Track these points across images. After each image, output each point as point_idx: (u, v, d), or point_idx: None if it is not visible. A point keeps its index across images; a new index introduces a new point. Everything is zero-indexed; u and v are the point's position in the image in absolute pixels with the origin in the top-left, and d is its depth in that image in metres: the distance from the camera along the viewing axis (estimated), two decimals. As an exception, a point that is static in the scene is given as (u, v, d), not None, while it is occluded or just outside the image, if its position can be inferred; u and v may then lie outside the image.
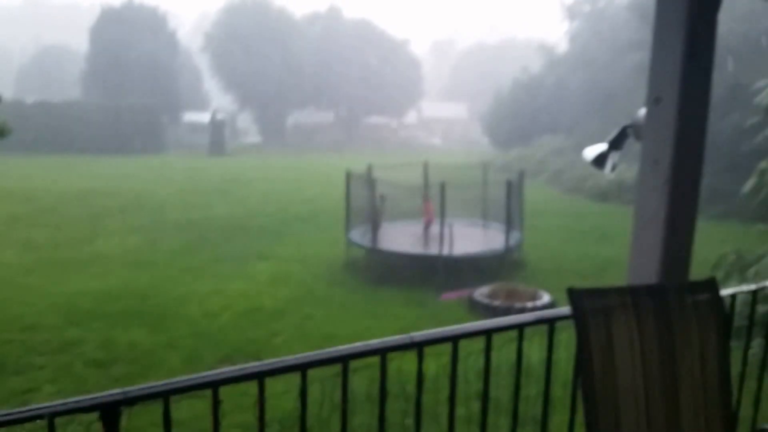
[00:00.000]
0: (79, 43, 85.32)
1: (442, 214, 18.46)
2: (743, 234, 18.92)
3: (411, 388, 3.29)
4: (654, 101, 3.32)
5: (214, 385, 2.69)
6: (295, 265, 19.39)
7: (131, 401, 2.51)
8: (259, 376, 2.79)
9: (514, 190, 19.17)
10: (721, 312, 3.20)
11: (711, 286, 3.18)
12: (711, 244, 14.82)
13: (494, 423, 3.56)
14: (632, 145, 4.19)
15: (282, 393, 3.48)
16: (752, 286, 4.28)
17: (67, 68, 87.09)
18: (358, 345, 3.00)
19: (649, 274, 3.37)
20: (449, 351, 3.23)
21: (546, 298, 15.40)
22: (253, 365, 2.78)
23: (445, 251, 17.83)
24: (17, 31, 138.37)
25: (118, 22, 71.58)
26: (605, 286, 3.03)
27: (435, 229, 19.32)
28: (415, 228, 21.11)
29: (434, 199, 19.90)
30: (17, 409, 2.33)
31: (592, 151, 4.46)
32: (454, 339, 3.21)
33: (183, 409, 2.65)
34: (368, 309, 15.35)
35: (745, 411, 4.34)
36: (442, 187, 18.20)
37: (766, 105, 13.53)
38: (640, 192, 3.48)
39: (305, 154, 65.61)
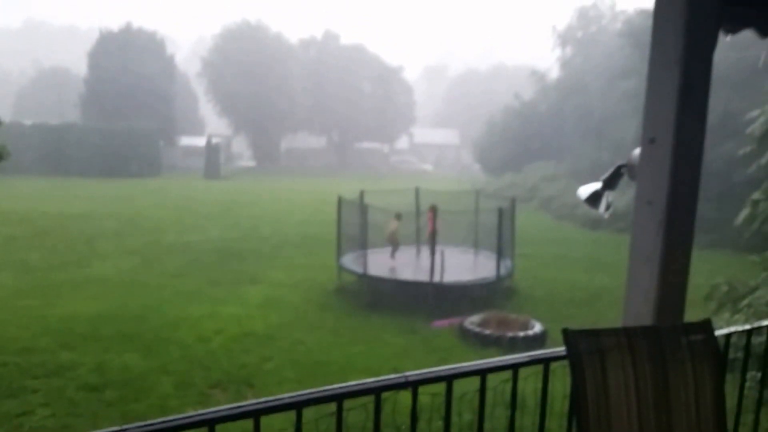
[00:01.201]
0: (78, 66, 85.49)
1: (433, 241, 18.46)
2: (736, 264, 18.92)
3: (405, 422, 3.27)
4: (648, 141, 3.32)
5: (211, 423, 2.69)
6: (287, 289, 19.36)
7: None
8: (255, 415, 2.79)
9: (505, 217, 19.17)
10: (716, 353, 3.19)
11: (706, 327, 3.17)
12: (703, 273, 14.81)
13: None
14: (622, 178, 4.19)
15: (274, 429, 3.45)
16: (747, 326, 4.27)
17: (66, 91, 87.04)
18: (353, 384, 2.98)
19: (643, 314, 3.36)
20: (443, 388, 3.21)
21: (538, 327, 15.32)
22: (248, 403, 2.78)
23: (436, 278, 17.80)
24: (16, 54, 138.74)
25: (117, 46, 71.58)
26: (600, 328, 3.02)
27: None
28: (407, 254, 21.12)
29: (424, 226, 19.96)
30: None
31: (586, 190, 4.45)
32: (449, 379, 3.19)
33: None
34: (359, 335, 15.30)
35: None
36: (434, 214, 18.22)
37: (759, 135, 13.56)
38: (634, 232, 3.47)
39: (298, 178, 65.76)
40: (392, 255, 20.17)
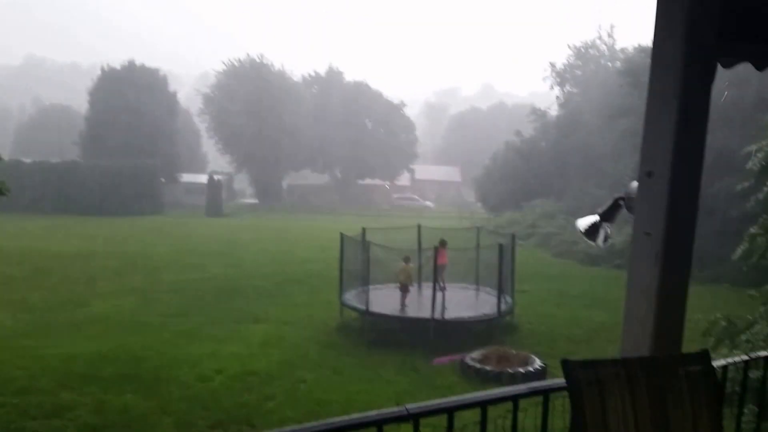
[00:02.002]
0: (79, 103, 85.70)
1: (435, 278, 18.47)
2: (734, 299, 18.95)
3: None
4: (646, 174, 3.34)
5: None
6: (289, 327, 19.32)
7: None
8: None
9: (506, 253, 19.19)
10: (714, 384, 3.20)
11: (703, 358, 3.18)
12: (701, 308, 14.78)
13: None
14: (620, 211, 4.22)
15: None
16: (744, 357, 4.28)
17: (66, 129, 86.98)
18: (355, 417, 2.98)
19: (641, 345, 3.37)
20: (444, 421, 3.22)
21: (537, 363, 15.33)
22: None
23: (437, 315, 17.79)
24: (16, 91, 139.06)
25: (119, 83, 71.61)
26: (599, 359, 3.03)
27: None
28: (409, 291, 21.11)
29: (426, 263, 19.94)
30: None
31: (584, 223, 4.47)
32: (450, 411, 3.19)
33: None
34: (361, 373, 15.28)
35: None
36: (435, 251, 18.23)
37: (757, 170, 13.59)
38: (632, 264, 3.49)
39: (300, 216, 65.79)
40: (402, 300, 19.91)
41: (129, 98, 70.55)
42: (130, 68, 74.51)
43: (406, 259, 20.14)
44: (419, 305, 19.70)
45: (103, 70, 74.75)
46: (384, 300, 19.60)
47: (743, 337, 11.84)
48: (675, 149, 3.20)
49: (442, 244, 20.26)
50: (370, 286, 19.63)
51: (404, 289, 19.64)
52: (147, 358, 15.85)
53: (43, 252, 33.26)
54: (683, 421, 3.06)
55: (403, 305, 19.47)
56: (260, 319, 20.16)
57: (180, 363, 15.52)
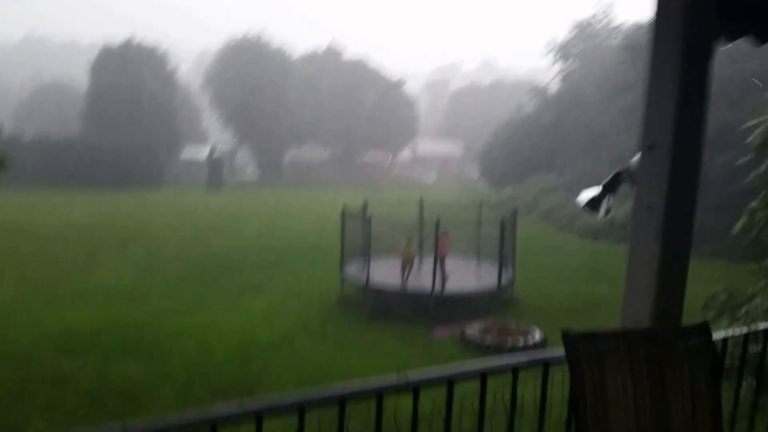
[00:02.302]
0: (79, 80, 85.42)
1: (436, 252, 18.46)
2: (734, 273, 18.94)
3: (405, 425, 3.28)
4: (647, 148, 3.33)
5: (213, 422, 2.66)
6: (290, 300, 19.35)
7: None
8: (257, 414, 2.76)
9: (507, 228, 19.21)
10: (713, 356, 3.20)
11: (703, 330, 3.18)
12: (702, 282, 14.79)
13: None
14: (622, 184, 4.21)
15: (274, 429, 3.46)
16: (744, 329, 4.28)
17: (67, 105, 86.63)
18: (355, 385, 2.98)
19: (642, 317, 3.37)
20: (444, 390, 3.22)
21: (537, 335, 15.39)
22: (250, 404, 2.76)
23: (438, 288, 17.81)
24: (17, 68, 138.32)
25: (118, 60, 71.57)
26: (599, 330, 3.03)
27: (448, 265, 19.23)
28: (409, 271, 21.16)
29: (429, 238, 19.93)
30: None
31: (585, 195, 4.46)
32: (450, 380, 3.19)
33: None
34: (362, 345, 15.32)
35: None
36: (437, 225, 18.23)
37: (757, 145, 13.58)
38: (633, 237, 3.49)
39: (301, 190, 65.71)
40: (403, 278, 19.87)
41: (128, 75, 70.47)
42: (129, 45, 74.34)
43: (408, 241, 20.03)
44: (420, 278, 19.72)
45: (102, 47, 74.56)
46: (384, 273, 19.62)
47: (743, 311, 11.88)
48: (676, 122, 3.19)
49: (444, 233, 20.18)
50: (371, 260, 19.65)
51: (404, 269, 19.61)
52: (148, 329, 15.90)
53: (45, 225, 33.26)
54: (682, 393, 3.06)
55: (403, 283, 19.44)
56: (261, 292, 20.19)
57: (181, 333, 15.57)
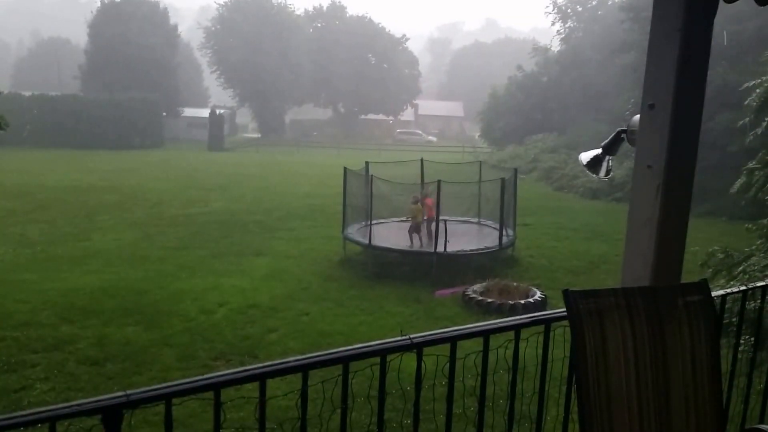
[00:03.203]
0: (78, 37, 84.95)
1: (437, 212, 18.46)
2: (732, 232, 19.06)
3: (409, 386, 3.32)
4: (648, 107, 3.35)
5: (216, 387, 2.67)
6: (292, 261, 19.39)
7: (133, 404, 2.46)
8: (261, 378, 2.78)
9: (507, 188, 19.23)
10: (712, 313, 3.23)
11: (702, 287, 3.21)
12: (700, 241, 14.92)
13: (490, 421, 3.59)
14: (624, 146, 4.23)
15: (277, 392, 3.50)
16: (742, 287, 4.31)
17: (66, 62, 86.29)
18: (359, 346, 3.01)
19: (642, 275, 3.40)
20: (447, 350, 3.25)
21: (538, 294, 15.48)
22: (254, 367, 2.77)
23: (440, 248, 17.86)
24: (15, 24, 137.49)
25: (118, 16, 70.90)
26: (599, 288, 3.07)
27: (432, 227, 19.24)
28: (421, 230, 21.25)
29: (430, 196, 19.92)
30: (17, 413, 2.32)
31: (586, 156, 4.48)
32: (453, 340, 3.22)
33: (177, 407, 2.64)
34: (364, 305, 15.38)
35: (736, 408, 4.37)
36: (438, 185, 18.23)
37: (756, 105, 13.56)
38: (633, 195, 3.52)
39: (303, 150, 65.50)
40: (415, 238, 19.86)
41: (129, 31, 69.82)
42: (130, 1, 73.70)
43: (415, 200, 19.99)
44: (429, 239, 19.76)
45: (102, 2, 73.97)
46: (387, 234, 19.70)
47: (740, 269, 11.95)
48: (677, 81, 3.20)
49: (426, 195, 20.08)
50: (373, 221, 19.67)
51: (416, 229, 19.59)
52: (148, 292, 15.93)
53: (43, 186, 33.13)
54: (681, 349, 3.10)
55: (414, 242, 19.46)
56: (262, 253, 20.23)
57: (182, 296, 15.61)
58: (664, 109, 3.25)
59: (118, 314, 14.18)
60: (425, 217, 19.83)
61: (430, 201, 19.72)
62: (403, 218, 20.81)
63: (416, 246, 19.35)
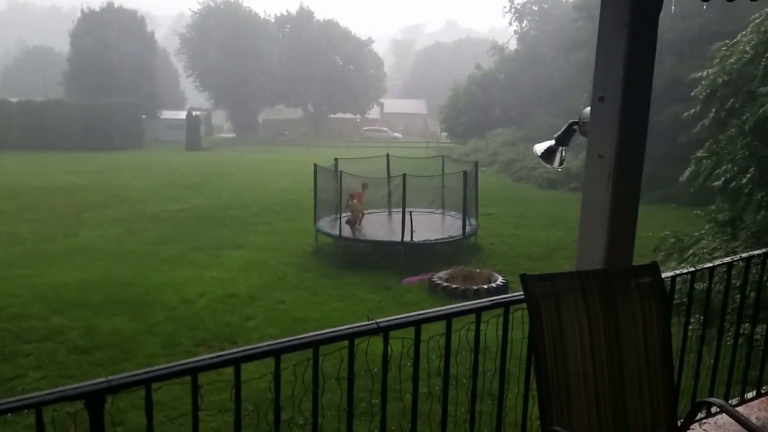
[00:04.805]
0: (61, 45, 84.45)
1: (404, 204, 18.46)
2: (682, 218, 19.19)
3: (377, 368, 3.30)
4: (598, 99, 3.35)
5: (194, 371, 2.67)
6: (268, 253, 19.35)
7: (115, 389, 2.46)
8: (236, 362, 2.78)
9: (469, 180, 19.27)
10: (663, 293, 3.24)
11: (653, 269, 3.22)
12: (652, 227, 15.04)
13: (454, 398, 3.58)
14: (577, 137, 4.23)
15: (255, 375, 3.47)
16: (690, 268, 4.33)
17: (50, 70, 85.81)
18: (328, 331, 3.01)
19: (595, 259, 3.41)
20: (412, 334, 3.24)
21: (500, 280, 15.55)
22: (229, 352, 2.76)
23: (407, 238, 17.87)
24: (1, 35, 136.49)
25: (98, 25, 70.98)
26: (555, 272, 3.06)
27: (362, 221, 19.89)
28: (379, 217, 21.25)
29: (395, 190, 20.00)
30: (4, 400, 2.29)
31: (540, 147, 4.48)
32: (417, 324, 3.22)
33: (162, 391, 2.63)
34: (336, 293, 15.38)
35: (686, 384, 4.39)
36: (404, 178, 18.23)
37: (703, 97, 13.68)
38: (586, 183, 3.52)
39: (276, 149, 65.35)
40: (353, 228, 19.99)
41: (109, 39, 70.10)
42: (109, 10, 73.67)
43: (350, 197, 20.12)
44: (390, 229, 19.80)
45: (83, 12, 73.74)
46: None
47: (689, 252, 12.08)
48: (625, 74, 3.21)
49: (361, 189, 20.60)
50: (342, 213, 19.69)
51: (353, 221, 19.78)
52: (133, 284, 15.83)
53: (31, 187, 32.81)
54: (634, 328, 3.11)
55: (354, 233, 19.61)
56: (240, 246, 20.16)
57: (165, 287, 15.53)
58: (614, 101, 3.26)
59: (105, 306, 14.08)
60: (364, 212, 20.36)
61: (358, 196, 20.15)
62: (371, 210, 21.09)
63: (356, 235, 19.54)
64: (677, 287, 4.20)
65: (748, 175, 11.76)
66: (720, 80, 12.98)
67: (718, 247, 11.99)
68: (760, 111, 11.57)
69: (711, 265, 4.55)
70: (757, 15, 12.78)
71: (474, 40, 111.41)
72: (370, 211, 21.35)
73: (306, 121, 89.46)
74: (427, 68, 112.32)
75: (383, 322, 3.08)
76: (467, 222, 19.41)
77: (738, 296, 5.44)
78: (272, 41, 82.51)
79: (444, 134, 66.71)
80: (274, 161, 50.70)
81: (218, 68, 78.53)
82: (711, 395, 4.55)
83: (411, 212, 18.27)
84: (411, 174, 18.89)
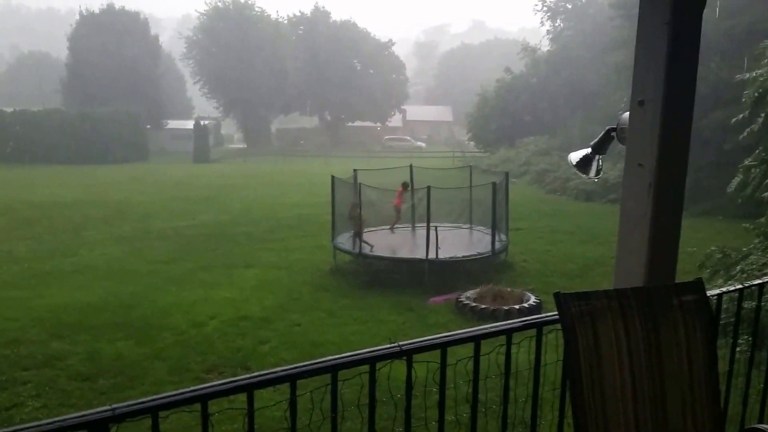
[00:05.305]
0: (58, 50, 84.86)
1: (428, 218, 18.43)
2: (729, 231, 19.06)
3: (400, 393, 3.30)
4: (638, 104, 3.34)
5: (204, 399, 2.66)
6: (282, 271, 19.35)
7: (120, 418, 2.45)
8: (249, 389, 2.76)
9: (499, 192, 19.22)
10: (708, 312, 3.22)
11: (698, 286, 3.20)
12: (697, 241, 14.95)
13: (484, 426, 3.58)
14: (615, 145, 4.22)
15: (269, 402, 3.48)
16: (738, 285, 4.31)
17: (46, 76, 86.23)
18: (348, 354, 2.99)
19: (635, 276, 3.39)
20: (438, 357, 3.24)
21: (533, 299, 15.46)
22: (242, 378, 2.75)
23: (432, 255, 17.84)
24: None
25: (98, 28, 71.12)
26: (591, 290, 3.06)
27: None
28: (401, 232, 21.22)
29: (419, 203, 20.03)
30: (2, 430, 2.30)
31: (576, 156, 4.47)
32: (443, 346, 3.20)
33: (170, 420, 2.63)
34: (355, 315, 15.34)
35: (735, 409, 4.37)
36: (428, 191, 18.21)
37: (752, 101, 13.59)
38: (625, 195, 3.51)
39: (290, 160, 65.44)
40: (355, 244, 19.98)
41: (109, 43, 70.02)
42: (109, 12, 73.75)
43: (351, 207, 19.95)
44: (414, 246, 19.77)
45: (81, 14, 73.95)
46: (377, 242, 19.64)
47: (738, 269, 11.95)
48: (667, 77, 3.19)
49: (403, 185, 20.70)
50: (364, 228, 19.66)
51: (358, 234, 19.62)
52: (138, 306, 15.86)
53: (28, 202, 33.06)
54: (677, 350, 3.09)
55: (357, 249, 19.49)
56: (252, 264, 20.17)
57: (172, 309, 15.55)
58: (654, 105, 3.24)
59: (108, 329, 14.10)
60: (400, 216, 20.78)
61: (398, 197, 20.84)
62: (393, 226, 21.15)
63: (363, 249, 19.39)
64: (724, 306, 4.17)
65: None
66: (770, 82, 12.90)
67: (769, 262, 11.89)
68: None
69: (760, 282, 4.53)
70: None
71: (503, 41, 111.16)
72: (390, 226, 21.38)
73: (322, 129, 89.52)
74: (452, 72, 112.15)
75: (406, 344, 3.07)
76: (497, 237, 19.32)
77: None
78: (285, 44, 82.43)
79: (471, 143, 66.54)
80: (289, 173, 50.80)
81: (227, 74, 78.41)
82: (761, 422, 4.52)
83: (436, 227, 18.22)
84: (436, 186, 18.87)
